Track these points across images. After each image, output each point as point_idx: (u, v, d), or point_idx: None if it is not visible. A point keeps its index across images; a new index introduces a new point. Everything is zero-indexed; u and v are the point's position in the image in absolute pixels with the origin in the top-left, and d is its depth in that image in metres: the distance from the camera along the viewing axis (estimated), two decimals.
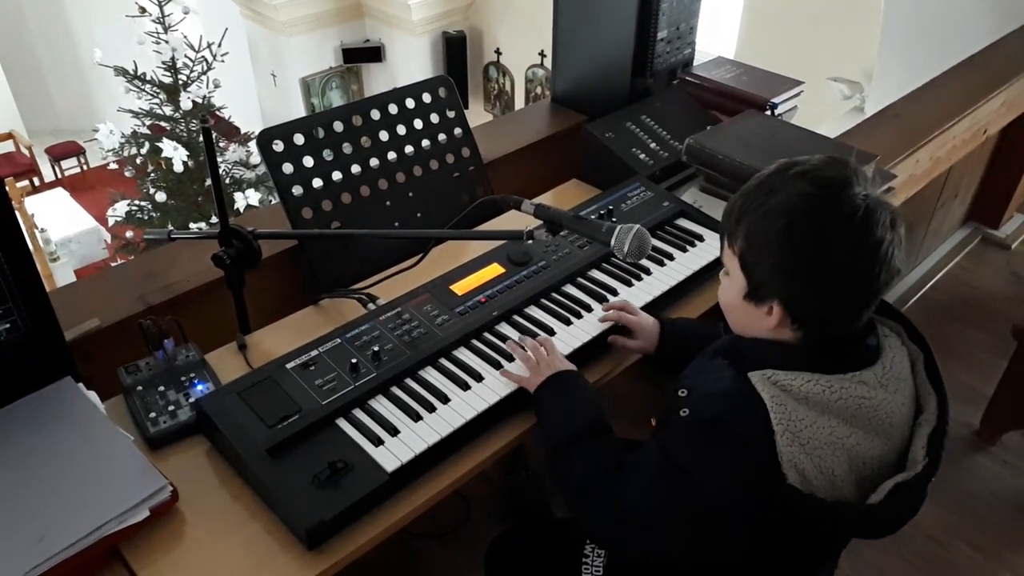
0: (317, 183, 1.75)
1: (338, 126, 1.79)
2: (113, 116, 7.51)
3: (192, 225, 6.78)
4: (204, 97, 6.82)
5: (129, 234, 7.18)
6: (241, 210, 6.76)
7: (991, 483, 2.34)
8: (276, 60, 6.80)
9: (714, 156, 1.83)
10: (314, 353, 1.36)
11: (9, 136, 9.27)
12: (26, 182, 9.02)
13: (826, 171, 0.99)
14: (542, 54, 6.48)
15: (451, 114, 1.98)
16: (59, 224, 7.02)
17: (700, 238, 1.76)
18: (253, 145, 6.98)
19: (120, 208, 6.93)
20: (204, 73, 6.69)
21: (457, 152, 1.99)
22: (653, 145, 2.03)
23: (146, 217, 6.97)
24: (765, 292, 1.02)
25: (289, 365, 1.33)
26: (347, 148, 1.80)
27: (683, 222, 1.82)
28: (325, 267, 1.71)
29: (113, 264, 7.29)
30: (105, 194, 7.16)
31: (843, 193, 0.96)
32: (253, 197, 6.83)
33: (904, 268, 0.98)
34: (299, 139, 1.73)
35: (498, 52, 6.89)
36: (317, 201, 1.75)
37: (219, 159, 7.03)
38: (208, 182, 6.91)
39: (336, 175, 1.78)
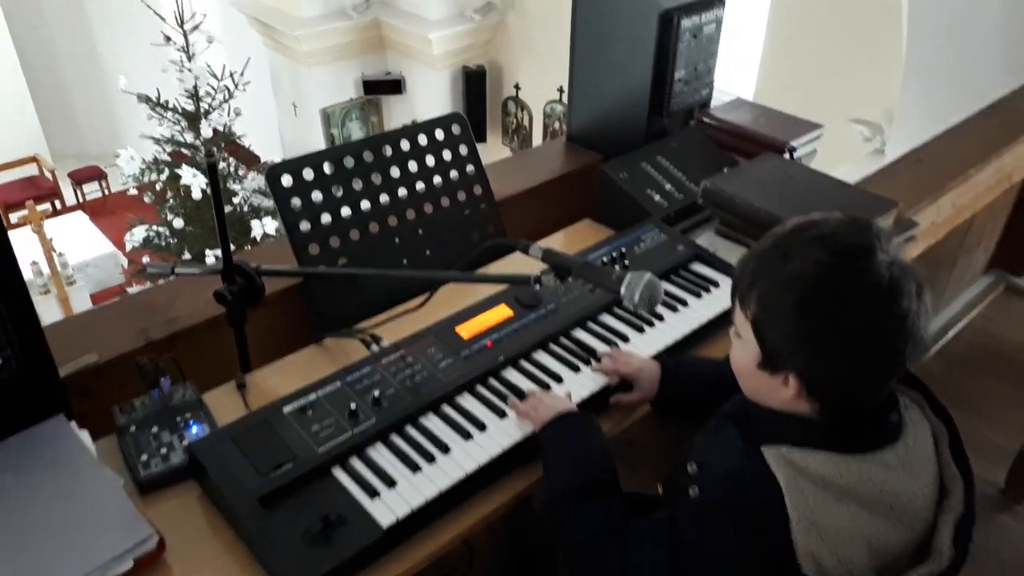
0: (325, 219, 1.72)
1: (349, 162, 1.77)
2: (136, 142, 7.61)
3: (208, 251, 6.81)
4: (225, 125, 6.90)
5: (146, 259, 7.22)
6: (258, 238, 6.79)
7: (1019, 544, 2.24)
8: (297, 90, 6.87)
9: (731, 200, 1.79)
10: (312, 397, 1.32)
11: (33, 160, 9.41)
12: (47, 205, 9.12)
13: (847, 236, 0.92)
14: (560, 90, 6.50)
15: (464, 151, 1.96)
16: (77, 248, 7.07)
17: (715, 284, 1.71)
18: None
19: (138, 233, 6.99)
20: (226, 101, 6.77)
21: (469, 190, 1.96)
22: (668, 187, 1.99)
23: (163, 243, 7.01)
24: (780, 363, 0.96)
25: (286, 409, 1.29)
26: (357, 184, 1.78)
27: (698, 267, 1.77)
28: (329, 305, 1.67)
29: (129, 289, 7.33)
30: (124, 219, 7.22)
31: (865, 262, 0.90)
32: (270, 225, 6.86)
33: (929, 336, 0.92)
34: (309, 174, 1.71)
35: (517, 87, 6.92)
36: (325, 237, 1.72)
37: (238, 187, 7.09)
38: (226, 209, 6.97)
39: (345, 211, 1.75)
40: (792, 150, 2.04)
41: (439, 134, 1.92)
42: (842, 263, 0.90)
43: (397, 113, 7.16)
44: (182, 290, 1.69)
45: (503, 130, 7.30)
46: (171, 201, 6.88)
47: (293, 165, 1.69)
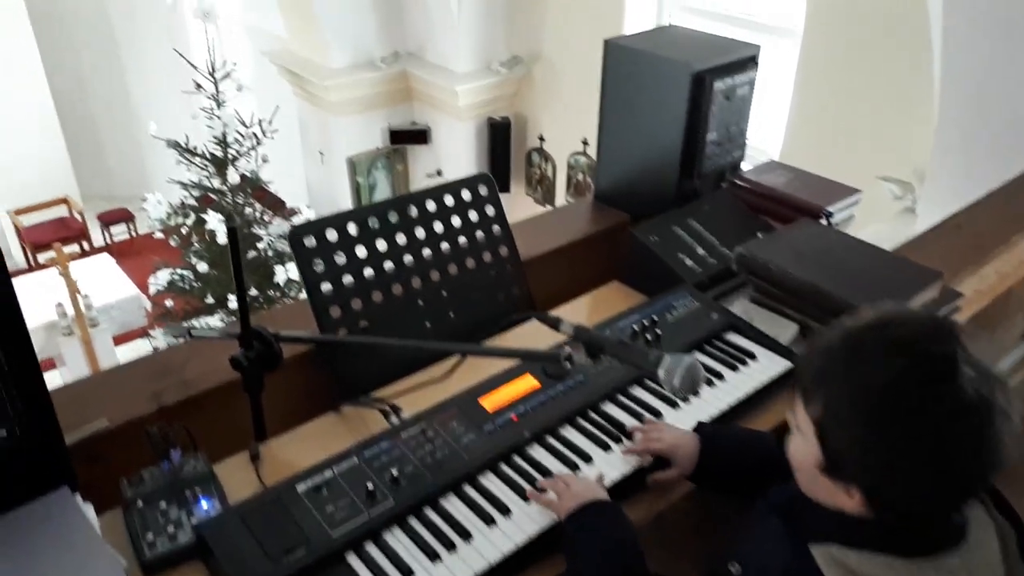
0: (348, 280, 1.67)
1: (373, 222, 1.73)
2: (163, 186, 7.70)
3: (230, 296, 6.82)
4: (252, 171, 6.96)
5: (169, 303, 7.25)
6: (282, 283, 6.80)
7: None
8: (324, 138, 6.93)
9: (767, 268, 1.72)
10: (328, 474, 1.25)
11: (64, 201, 9.55)
12: (76, 246, 9.23)
13: (928, 343, 0.85)
14: (585, 142, 6.51)
15: (491, 212, 1.91)
16: (102, 290, 7.10)
17: (752, 356, 1.64)
18: (297, 219, 7.06)
19: (162, 276, 7.02)
20: (253, 148, 6.84)
21: (495, 251, 1.91)
22: (700, 251, 1.93)
23: (187, 286, 7.04)
24: (844, 472, 0.88)
25: (300, 487, 1.23)
26: (381, 245, 1.73)
27: (733, 337, 1.70)
28: (348, 370, 1.61)
29: (150, 332, 7.34)
30: (149, 261, 7.27)
31: (950, 376, 0.82)
32: (294, 271, 6.87)
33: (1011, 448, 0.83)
34: (332, 235, 1.67)
35: (541, 139, 6.94)
36: (346, 299, 1.67)
37: (263, 232, 7.13)
38: (251, 254, 7.00)
39: (368, 272, 1.71)
40: (829, 215, 1.98)
41: (466, 194, 1.88)
42: (924, 376, 0.83)
43: (422, 162, 7.20)
44: (199, 351, 1.65)
45: (527, 180, 7.30)
46: (196, 245, 6.92)
47: (316, 226, 1.65)
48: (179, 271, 6.99)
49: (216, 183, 6.80)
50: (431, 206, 1.82)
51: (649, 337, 1.62)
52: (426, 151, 7.13)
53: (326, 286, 1.64)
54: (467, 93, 6.44)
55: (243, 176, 6.85)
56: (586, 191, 6.77)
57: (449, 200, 1.85)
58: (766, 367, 1.61)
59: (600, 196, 2.36)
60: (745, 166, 2.23)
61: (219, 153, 6.73)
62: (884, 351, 0.85)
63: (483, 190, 1.91)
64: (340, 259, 1.67)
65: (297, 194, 7.96)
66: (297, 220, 7.02)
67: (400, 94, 6.80)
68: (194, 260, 6.87)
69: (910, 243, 2.21)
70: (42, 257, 8.85)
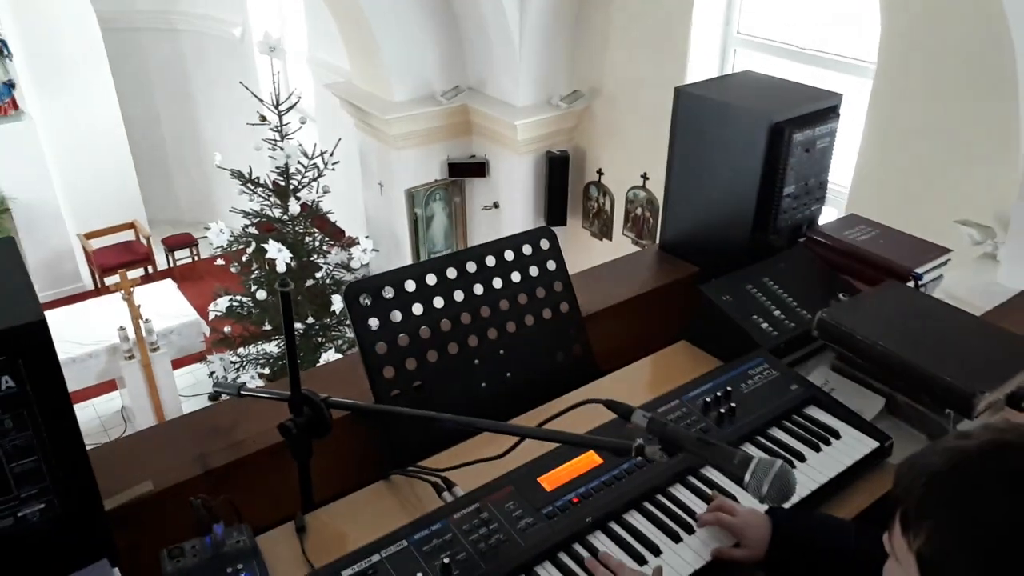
0: (403, 340, 1.60)
1: (431, 279, 1.66)
2: (227, 214, 7.86)
3: None
4: (313, 201, 7.05)
5: (227, 329, 7.35)
6: (338, 311, 6.83)
7: None
8: (384, 170, 6.97)
9: (851, 336, 1.59)
10: (375, 559, 1.17)
11: (131, 226, 9.83)
12: (141, 270, 9.47)
13: None
14: (644, 176, 6.40)
15: (552, 267, 1.83)
16: (163, 315, 7.23)
17: (835, 434, 1.50)
18: (355, 249, 7.10)
19: (221, 303, 7.13)
20: (315, 179, 6.93)
21: (555, 307, 1.82)
22: (777, 313, 1.81)
23: (245, 312, 7.14)
24: None
25: (346, 573, 1.15)
26: (438, 302, 1.66)
27: (814, 411, 1.57)
28: (399, 439, 1.54)
29: (208, 357, 7.44)
30: (210, 286, 7.40)
31: None
32: None
33: None
34: (388, 293, 1.60)
35: (600, 172, 6.85)
36: (401, 359, 1.60)
37: (322, 261, 7.20)
38: (309, 282, 7.06)
39: (424, 331, 1.64)
40: (918, 277, 1.83)
41: (526, 249, 1.80)
42: None
43: (480, 195, 7.18)
44: (248, 410, 1.59)
45: (584, 214, 7.22)
46: (256, 273, 7.02)
47: (373, 284, 1.59)
48: (238, 297, 7.10)
49: (278, 212, 6.90)
50: (490, 261, 1.74)
51: (723, 410, 1.50)
52: (484, 183, 7.10)
53: (381, 346, 1.57)
54: (526, 127, 6.40)
55: (304, 205, 6.94)
56: (644, 226, 6.65)
57: (509, 255, 1.77)
58: (850, 447, 1.47)
59: (666, 246, 2.25)
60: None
61: (281, 183, 6.84)
62: (1002, 485, 0.73)
63: (544, 244, 1.83)
64: (396, 317, 1.60)
65: (356, 223, 8.02)
66: (355, 250, 7.07)
67: (459, 128, 6.80)
68: (253, 287, 6.96)
69: (1006, 305, 2.04)
70: (109, 279, 9.09)
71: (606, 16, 6.13)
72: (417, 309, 1.63)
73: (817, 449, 1.47)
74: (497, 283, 1.74)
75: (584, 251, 7.31)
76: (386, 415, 1.52)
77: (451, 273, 1.68)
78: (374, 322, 1.57)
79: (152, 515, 1.39)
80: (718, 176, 2.02)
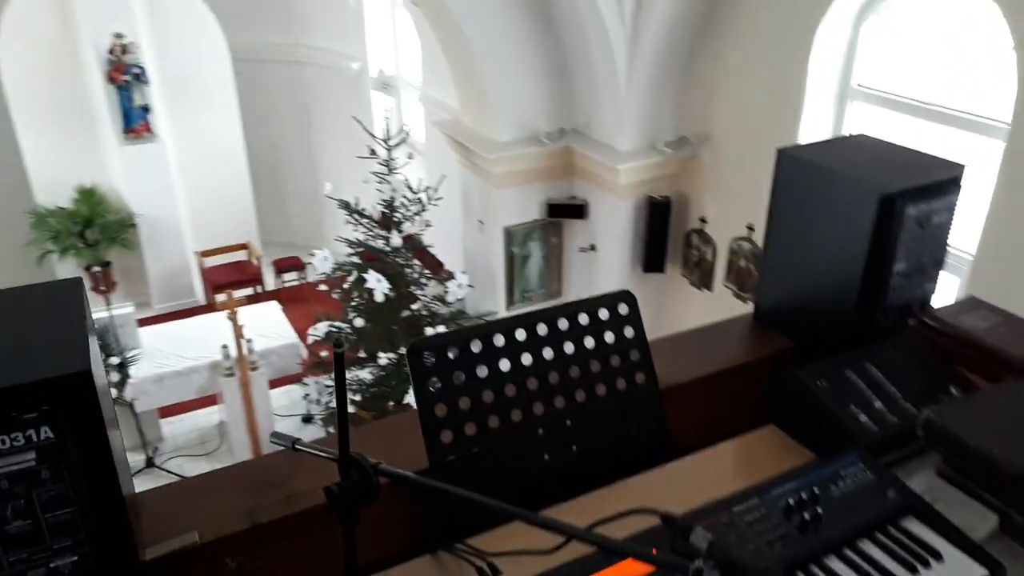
0: (464, 403, 1.53)
1: (499, 340, 1.58)
2: (333, 242, 8.11)
3: (380, 354, 6.97)
4: (415, 234, 7.17)
5: (323, 353, 7.53)
6: None
7: None
8: (485, 208, 7.03)
9: (961, 442, 1.41)
10: None
11: (244, 247, 10.30)
12: (250, 290, 9.89)
13: None
14: (750, 227, 6.16)
15: (630, 334, 1.72)
16: (265, 335, 7.49)
17: (936, 554, 1.32)
18: (451, 283, 7.16)
19: (321, 328, 7.32)
20: (418, 213, 7.06)
21: (630, 377, 1.71)
22: (878, 404, 1.63)
23: (343, 338, 7.30)
24: None
25: None
26: (504, 365, 1.58)
27: (913, 524, 1.39)
28: (450, 508, 1.46)
29: (304, 380, 7.64)
30: (313, 310, 7.63)
31: None
32: (442, 331, 6.96)
33: None
34: (453, 353, 1.54)
35: (703, 220, 6.66)
36: (460, 423, 1.52)
37: (419, 292, 7.29)
38: (404, 313, 7.16)
39: (487, 395, 1.56)
40: None
41: (603, 313, 1.70)
42: None
43: (578, 236, 7.11)
44: (303, 463, 1.55)
45: (684, 261, 7.02)
46: (355, 300, 7.17)
47: (438, 342, 1.53)
48: (337, 323, 7.27)
49: (380, 243, 7.06)
50: (563, 324, 1.65)
51: (807, 516, 1.35)
52: (582, 225, 7.04)
53: (440, 408, 1.51)
54: (629, 172, 6.32)
55: (406, 238, 7.07)
56: (747, 279, 6.39)
57: (584, 318, 1.68)
58: (953, 572, 1.29)
59: (760, 315, 2.10)
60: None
61: (387, 214, 7.00)
62: None
63: (623, 309, 1.73)
64: (459, 379, 1.53)
65: (455, 257, 8.11)
66: (451, 284, 7.12)
67: (561, 169, 6.79)
68: (352, 315, 7.12)
69: None
70: (219, 297, 9.53)
71: (717, 62, 5.99)
72: (481, 371, 1.56)
73: (913, 571, 1.29)
74: (568, 348, 1.65)
75: (682, 300, 7.11)
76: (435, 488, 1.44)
77: (520, 335, 1.60)
78: (435, 382, 1.51)
79: (191, 568, 1.36)
80: (821, 246, 1.86)
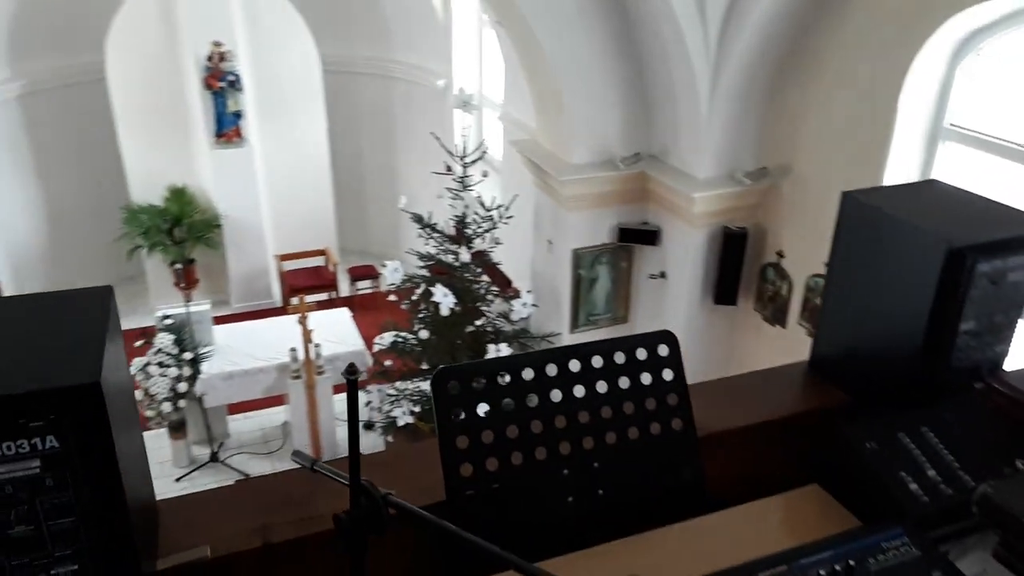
0: (487, 437, 1.49)
1: (528, 373, 1.54)
2: (404, 254, 8.22)
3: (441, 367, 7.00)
4: (484, 251, 7.20)
5: (388, 362, 7.62)
6: None
7: None
8: (555, 229, 7.00)
9: (1021, 524, 1.28)
10: None
11: (322, 252, 10.56)
12: (325, 295, 10.12)
13: None
14: (829, 264, 5.91)
15: (668, 376, 1.65)
16: (333, 340, 7.63)
17: None
18: (516, 302, 7.15)
19: (387, 337, 7.42)
20: (488, 230, 7.08)
21: (666, 422, 1.63)
22: (932, 473, 1.51)
23: (408, 349, 7.37)
24: None
25: None
26: (532, 400, 1.54)
27: None
28: (462, 546, 1.41)
29: (369, 387, 7.73)
30: (382, 318, 7.75)
31: None
32: (505, 351, 6.94)
33: None
34: (479, 383, 1.50)
35: (780, 254, 6.45)
36: (482, 457, 1.49)
37: (484, 308, 7.30)
38: (468, 328, 7.18)
39: (511, 430, 1.52)
40: None
41: (640, 353, 1.63)
42: None
43: (648, 262, 6.99)
44: (326, 483, 1.54)
45: (757, 296, 6.80)
46: (422, 313, 7.24)
47: (464, 372, 1.50)
48: (403, 334, 7.35)
49: (450, 258, 7.12)
50: (597, 361, 1.60)
51: None
52: (653, 251, 6.92)
53: (462, 440, 1.47)
54: (705, 200, 6.18)
55: (476, 253, 7.10)
56: None
57: (620, 357, 1.62)
58: None
59: (815, 364, 1.99)
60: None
61: (460, 229, 7.06)
62: None
63: (663, 350, 1.66)
64: (483, 411, 1.49)
65: (522, 275, 8.09)
66: (516, 303, 7.11)
67: (635, 194, 6.69)
68: (417, 326, 7.19)
69: None
70: (294, 300, 9.79)
71: (803, 93, 5.81)
72: (508, 405, 1.51)
73: None
74: (601, 387, 1.59)
75: (752, 334, 6.89)
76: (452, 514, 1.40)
77: (551, 370, 1.56)
78: (459, 413, 1.48)
79: None
80: (884, 298, 1.75)
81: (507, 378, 1.52)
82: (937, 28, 4.53)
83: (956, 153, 4.79)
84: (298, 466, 1.51)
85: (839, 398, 1.86)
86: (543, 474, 1.52)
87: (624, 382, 1.61)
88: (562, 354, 1.58)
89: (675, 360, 1.67)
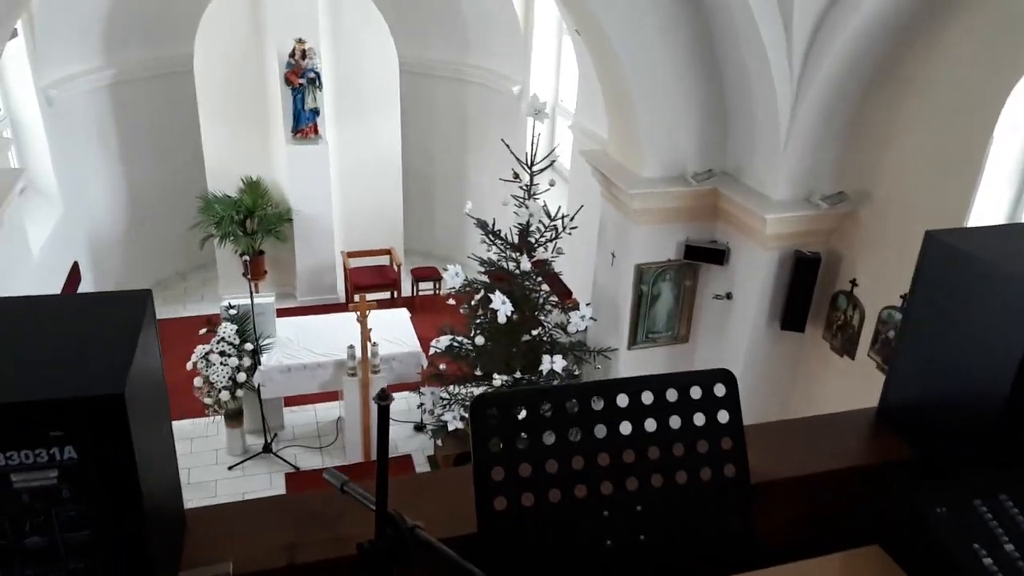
0: (524, 470, 1.42)
1: (571, 406, 1.46)
2: (467, 259, 8.22)
3: (495, 376, 6.96)
4: (547, 260, 7.13)
5: (442, 366, 7.63)
6: (544, 372, 6.79)
7: None
8: (620, 242, 6.87)
9: None
10: None
11: (387, 252, 10.66)
12: (387, 294, 10.21)
13: None
14: (904, 298, 5.65)
15: (723, 419, 1.55)
16: (390, 340, 7.68)
17: None
18: (573, 314, 7.05)
19: (443, 340, 7.42)
20: (551, 240, 7.01)
21: (718, 467, 1.53)
22: (1010, 548, 1.37)
23: (463, 354, 7.36)
24: None
25: None
26: (574, 434, 1.46)
27: None
28: None
29: (422, 389, 7.76)
30: (440, 321, 7.76)
31: None
32: (559, 363, 6.86)
33: None
34: (520, 413, 1.43)
35: (853, 283, 6.18)
36: (517, 491, 1.42)
37: (543, 318, 7.23)
38: (524, 338, 7.12)
39: (550, 465, 1.44)
40: None
41: (695, 392, 1.54)
42: None
43: (713, 282, 6.80)
44: (355, 506, 1.49)
45: (827, 324, 6.54)
46: (480, 318, 7.21)
47: (504, 399, 1.43)
48: (459, 338, 7.34)
49: (511, 266, 7.07)
50: (647, 397, 1.51)
51: None
52: (720, 271, 6.72)
53: (498, 472, 1.41)
54: (778, 222, 5.96)
55: (537, 263, 7.04)
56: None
57: (672, 395, 1.52)
58: None
59: (884, 413, 1.85)
60: None
61: (525, 237, 7.01)
62: None
63: (719, 389, 1.56)
64: (522, 443, 1.42)
65: (584, 287, 7.99)
66: (573, 315, 7.01)
67: (704, 211, 6.52)
68: (474, 332, 7.16)
69: None
70: (357, 297, 9.91)
71: (890, 118, 5.55)
72: (548, 438, 1.44)
73: None
74: (650, 425, 1.50)
75: (819, 363, 6.63)
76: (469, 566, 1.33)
77: (597, 404, 1.48)
78: (496, 443, 1.41)
79: None
80: (966, 347, 1.61)
81: (549, 409, 1.45)
82: None
83: None
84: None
85: (907, 453, 1.73)
86: (581, 514, 1.44)
87: (675, 421, 1.52)
88: (610, 387, 1.49)
89: (732, 401, 1.56)
